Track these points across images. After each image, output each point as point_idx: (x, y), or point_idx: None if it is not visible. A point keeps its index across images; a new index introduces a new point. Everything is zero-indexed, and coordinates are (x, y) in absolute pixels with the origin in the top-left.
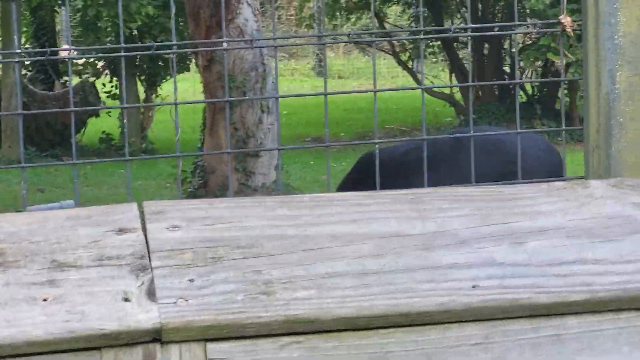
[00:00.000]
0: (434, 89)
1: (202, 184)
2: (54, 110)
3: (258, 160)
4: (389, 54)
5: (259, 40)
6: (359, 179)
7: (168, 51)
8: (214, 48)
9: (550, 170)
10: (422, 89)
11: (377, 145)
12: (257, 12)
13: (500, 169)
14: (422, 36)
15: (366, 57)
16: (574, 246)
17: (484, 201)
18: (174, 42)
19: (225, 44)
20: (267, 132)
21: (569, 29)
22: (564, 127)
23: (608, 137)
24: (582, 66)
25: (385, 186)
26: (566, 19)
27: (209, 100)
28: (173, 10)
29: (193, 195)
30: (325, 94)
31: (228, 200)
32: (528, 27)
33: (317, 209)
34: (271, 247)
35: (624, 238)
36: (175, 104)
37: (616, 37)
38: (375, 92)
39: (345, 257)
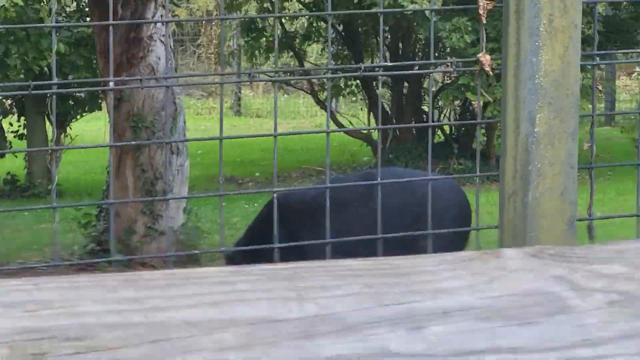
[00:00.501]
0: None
1: (107, 228)
2: None
3: (165, 203)
4: (307, 92)
5: (148, 79)
6: (267, 223)
7: (46, 91)
8: (102, 88)
9: (460, 211)
10: (327, 132)
11: (274, 195)
12: (171, 49)
13: (413, 210)
14: (329, 75)
15: (285, 95)
16: (484, 331)
17: (375, 277)
18: (54, 81)
19: (111, 84)
20: (176, 173)
21: (487, 68)
22: (478, 174)
23: (525, 184)
24: (501, 107)
25: (295, 230)
26: (485, 58)
27: (94, 145)
28: (55, 47)
29: (97, 240)
30: (221, 139)
31: (58, 279)
32: (447, 65)
33: (170, 289)
34: (110, 339)
35: (545, 320)
36: (52, 150)
37: (537, 76)
38: (275, 136)
39: (203, 349)
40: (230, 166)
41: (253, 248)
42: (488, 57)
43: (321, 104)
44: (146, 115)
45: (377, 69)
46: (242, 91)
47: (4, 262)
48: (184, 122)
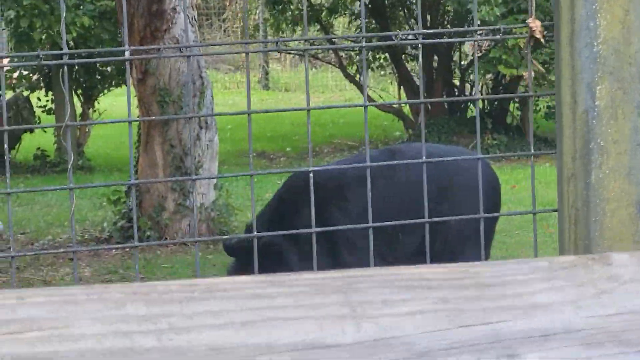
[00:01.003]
0: (381, 103)
1: (137, 204)
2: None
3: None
4: (336, 66)
5: (168, 48)
6: (290, 197)
7: (59, 61)
8: (118, 58)
9: (488, 186)
10: (365, 106)
11: (311, 174)
12: (194, 22)
13: (438, 182)
14: (364, 44)
15: (314, 69)
16: None
17: (452, 289)
18: (65, 50)
19: (127, 53)
20: (205, 148)
21: (538, 34)
22: (532, 152)
23: (586, 164)
24: (555, 80)
25: (321, 206)
26: (535, 23)
27: (115, 120)
28: (64, 13)
29: (128, 217)
30: (249, 112)
31: (50, 290)
32: (490, 34)
33: (191, 304)
34: None
35: None
36: (67, 125)
37: (595, 44)
38: (308, 110)
39: None
40: (261, 141)
41: (280, 234)
42: (538, 22)
43: (350, 77)
44: (173, 89)
45: (414, 36)
46: (270, 65)
47: (34, 238)
48: (212, 96)
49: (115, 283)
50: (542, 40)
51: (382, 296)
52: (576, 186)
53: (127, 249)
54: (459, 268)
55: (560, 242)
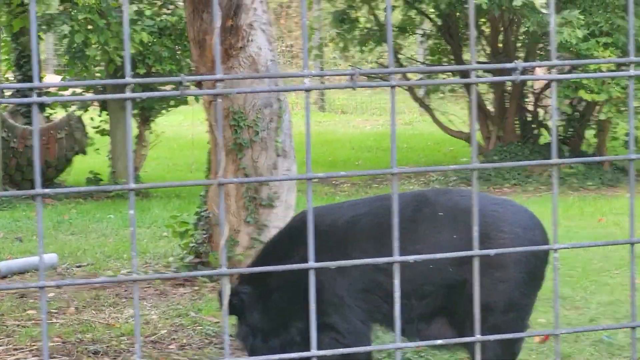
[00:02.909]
0: (451, 128)
1: (207, 238)
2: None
3: (272, 212)
4: (404, 88)
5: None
6: (288, 247)
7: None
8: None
9: (530, 237)
10: (393, 173)
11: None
12: (272, 40)
13: (466, 238)
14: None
15: (369, 90)
16: None
17: None
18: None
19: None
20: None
21: None
22: None
23: None
24: None
25: (321, 258)
26: None
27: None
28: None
29: (196, 251)
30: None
31: None
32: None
33: None
34: None
35: None
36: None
37: None
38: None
39: None
40: (323, 166)
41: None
42: None
43: (419, 101)
44: (248, 112)
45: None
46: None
47: (92, 273)
48: (290, 121)
49: (187, 327)
50: None
51: None
52: None
53: (196, 288)
54: None
55: None
